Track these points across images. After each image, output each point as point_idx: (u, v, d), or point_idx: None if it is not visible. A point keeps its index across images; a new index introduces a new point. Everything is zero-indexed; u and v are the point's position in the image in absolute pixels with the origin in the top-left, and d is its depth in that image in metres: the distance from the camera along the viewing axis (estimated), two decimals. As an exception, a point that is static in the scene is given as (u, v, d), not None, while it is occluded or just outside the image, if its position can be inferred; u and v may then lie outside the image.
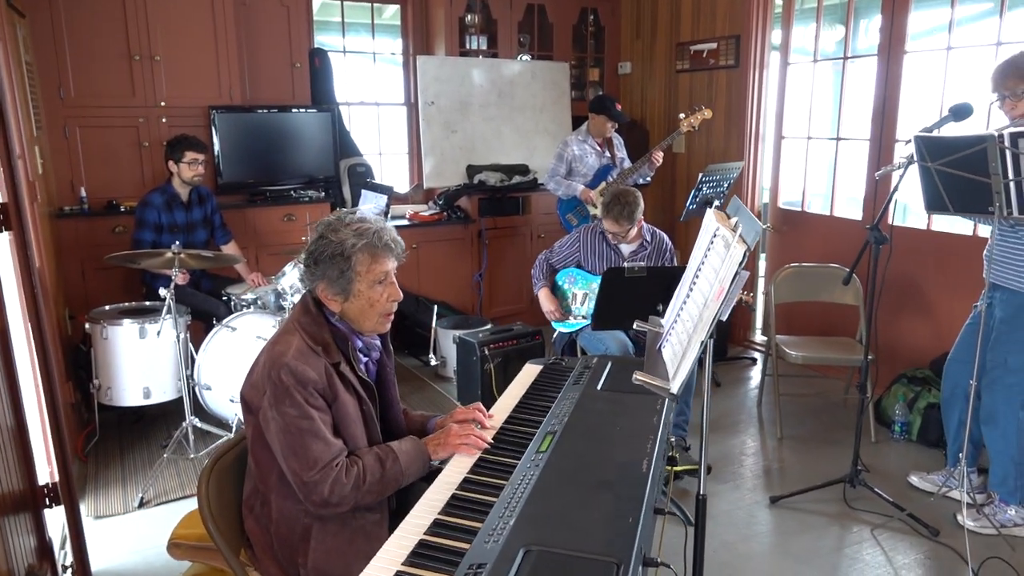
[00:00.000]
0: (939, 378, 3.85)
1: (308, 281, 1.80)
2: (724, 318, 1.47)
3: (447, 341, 4.67)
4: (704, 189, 4.43)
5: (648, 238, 3.66)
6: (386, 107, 5.76)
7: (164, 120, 4.53)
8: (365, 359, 1.88)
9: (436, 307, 4.56)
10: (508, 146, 5.78)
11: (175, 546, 1.96)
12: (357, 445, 1.78)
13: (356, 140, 5.48)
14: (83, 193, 4.38)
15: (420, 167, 5.63)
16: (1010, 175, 2.40)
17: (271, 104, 4.91)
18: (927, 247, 4.07)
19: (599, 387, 2.16)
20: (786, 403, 4.17)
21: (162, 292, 3.39)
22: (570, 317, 3.68)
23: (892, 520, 3.06)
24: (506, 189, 5.50)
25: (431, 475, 1.97)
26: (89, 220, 4.34)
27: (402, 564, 1.39)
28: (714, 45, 5.25)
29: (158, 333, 3.54)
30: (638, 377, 1.49)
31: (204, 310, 4.01)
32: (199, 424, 3.61)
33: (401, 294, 1.84)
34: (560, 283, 3.76)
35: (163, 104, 4.51)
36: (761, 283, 5.45)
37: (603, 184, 4.76)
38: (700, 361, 1.55)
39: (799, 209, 4.98)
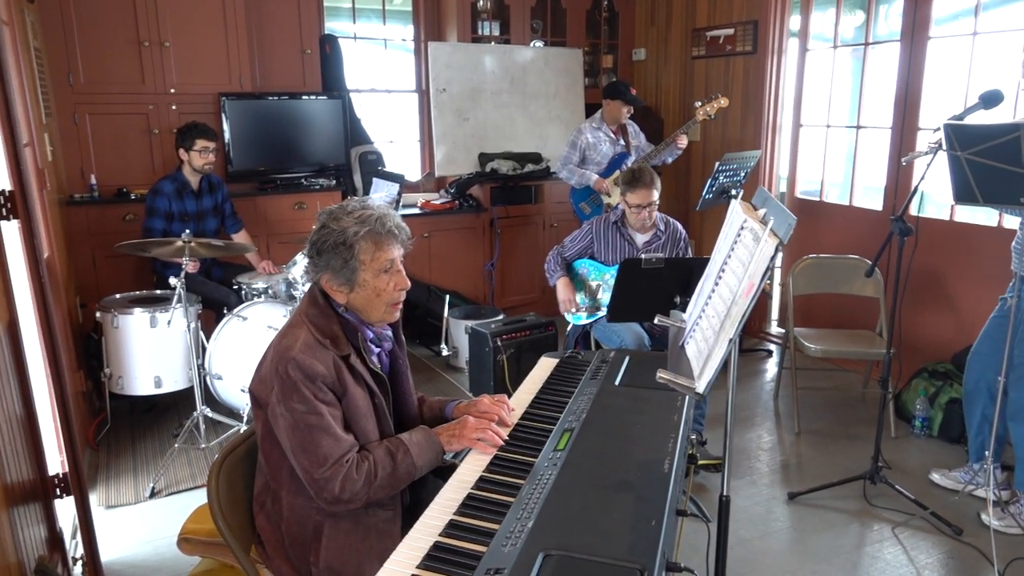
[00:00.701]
0: (961, 372, 3.77)
1: (312, 272, 1.74)
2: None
3: (459, 331, 4.63)
4: (721, 178, 4.35)
5: (662, 227, 3.59)
6: (397, 94, 5.69)
7: (174, 107, 4.48)
8: (377, 350, 1.82)
9: (448, 297, 4.51)
10: (520, 134, 5.70)
11: (185, 541, 1.92)
12: (368, 439, 1.73)
13: (367, 128, 5.42)
14: (93, 180, 4.35)
15: (431, 155, 5.57)
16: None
17: (282, 91, 4.86)
18: (949, 238, 3.98)
19: (617, 383, 2.11)
20: (803, 396, 4.10)
21: (172, 281, 3.36)
22: (582, 310, 3.62)
23: (913, 518, 3.00)
24: (518, 178, 5.43)
25: (444, 471, 1.93)
26: (99, 208, 4.31)
27: (417, 567, 1.34)
28: (731, 31, 5.14)
29: (169, 322, 3.50)
30: (662, 375, 1.43)
31: (215, 299, 3.98)
32: (210, 414, 3.58)
33: (408, 282, 1.78)
34: (577, 271, 3.69)
35: (173, 91, 4.46)
36: (778, 274, 5.36)
37: (616, 173, 4.69)
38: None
39: (817, 199, 4.89)
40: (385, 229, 1.70)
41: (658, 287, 2.99)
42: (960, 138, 2.48)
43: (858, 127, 4.58)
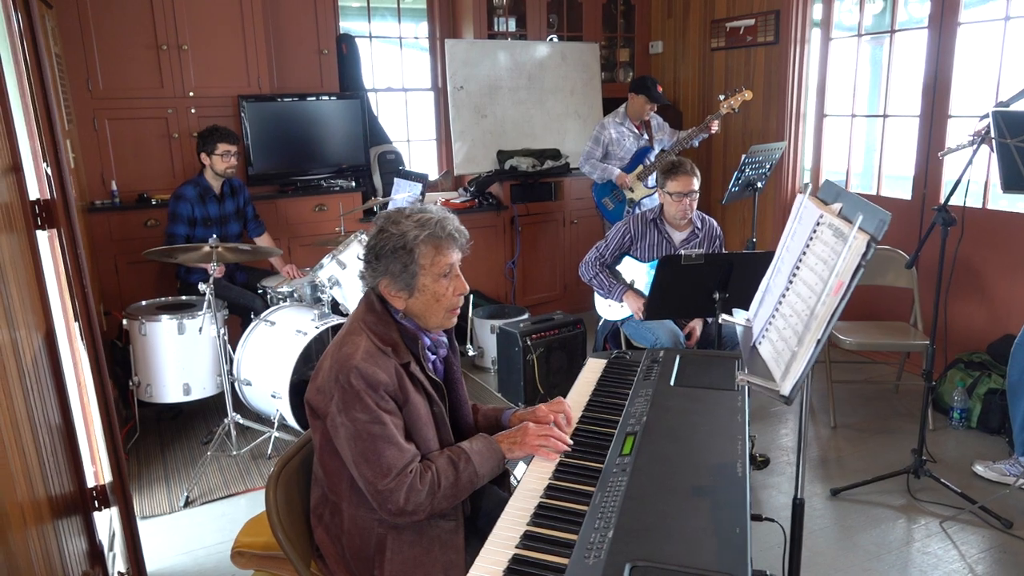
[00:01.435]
0: (998, 363, 3.72)
1: (370, 278, 1.70)
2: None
3: (483, 331, 4.59)
4: (747, 171, 4.30)
5: (699, 224, 3.54)
6: (413, 93, 5.64)
7: (193, 111, 4.45)
8: (433, 357, 1.78)
9: (472, 296, 4.47)
10: (539, 130, 5.66)
11: (239, 554, 1.89)
12: (429, 448, 1.69)
13: (384, 127, 5.38)
14: (114, 187, 4.31)
15: (449, 153, 5.52)
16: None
17: (300, 92, 4.81)
18: (983, 226, 3.91)
19: (672, 383, 2.06)
20: (836, 390, 4.05)
21: (202, 287, 3.32)
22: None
23: (962, 512, 2.95)
24: (538, 174, 5.38)
25: (502, 479, 1.89)
26: (121, 214, 4.27)
27: (499, 582, 1.30)
28: (752, 21, 5.08)
29: (200, 329, 3.47)
30: (743, 378, 1.39)
31: (241, 304, 3.94)
32: (240, 420, 3.55)
33: (467, 287, 1.74)
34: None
35: (192, 94, 4.43)
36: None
37: (640, 168, 4.64)
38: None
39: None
40: (445, 233, 1.66)
41: (697, 284, 2.94)
42: (1010, 125, 2.43)
43: (884, 116, 4.52)
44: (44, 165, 2.37)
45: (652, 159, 4.68)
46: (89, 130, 4.24)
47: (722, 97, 4.50)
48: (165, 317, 3.53)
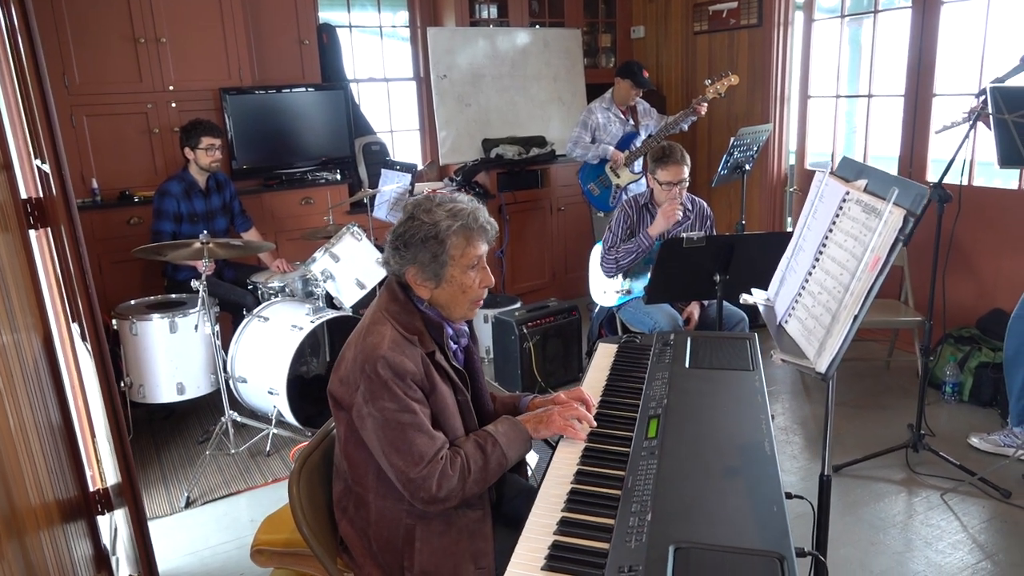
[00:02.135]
0: (987, 337, 3.79)
1: (396, 265, 1.67)
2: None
3: (477, 320, 4.57)
4: (736, 154, 4.32)
5: (689, 206, 3.54)
6: (395, 82, 5.58)
7: (173, 105, 4.35)
8: (455, 346, 1.77)
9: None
10: (523, 118, 5.63)
11: (259, 553, 1.85)
12: (456, 436, 1.67)
13: (367, 118, 5.31)
14: (95, 184, 4.21)
15: (433, 143, 5.48)
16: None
17: (281, 84, 4.73)
18: (971, 203, 3.95)
19: (687, 365, 2.06)
20: (829, 368, 4.09)
21: (195, 284, 3.26)
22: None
23: (961, 484, 3.00)
24: (524, 162, 5.36)
25: (518, 467, 1.88)
26: (102, 212, 4.17)
27: (541, 569, 1.29)
28: (734, 4, 5.09)
29: (196, 327, 3.40)
30: (779, 357, 1.39)
31: (232, 300, 3.88)
32: (237, 418, 3.50)
33: (493, 280, 1.72)
34: None
35: (171, 88, 4.33)
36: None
37: (626, 152, 4.64)
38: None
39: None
40: (477, 224, 1.64)
41: (698, 266, 2.95)
42: (1007, 101, 2.46)
43: (869, 96, 4.56)
44: (36, 162, 2.30)
45: (638, 144, 4.68)
46: (67, 127, 4.12)
47: (708, 82, 4.51)
48: (156, 316, 3.46)
